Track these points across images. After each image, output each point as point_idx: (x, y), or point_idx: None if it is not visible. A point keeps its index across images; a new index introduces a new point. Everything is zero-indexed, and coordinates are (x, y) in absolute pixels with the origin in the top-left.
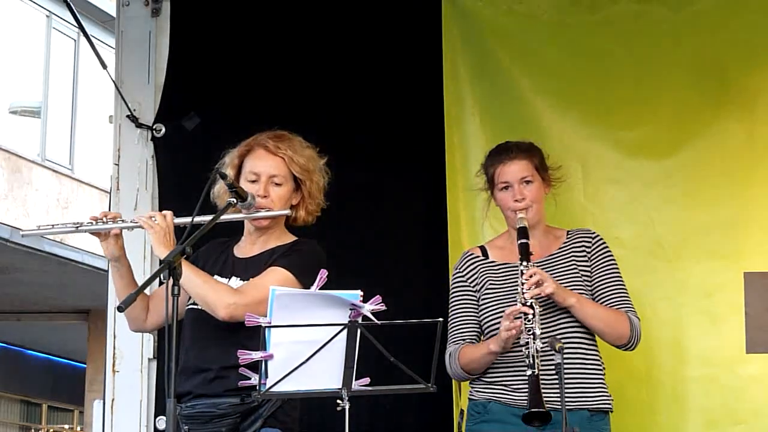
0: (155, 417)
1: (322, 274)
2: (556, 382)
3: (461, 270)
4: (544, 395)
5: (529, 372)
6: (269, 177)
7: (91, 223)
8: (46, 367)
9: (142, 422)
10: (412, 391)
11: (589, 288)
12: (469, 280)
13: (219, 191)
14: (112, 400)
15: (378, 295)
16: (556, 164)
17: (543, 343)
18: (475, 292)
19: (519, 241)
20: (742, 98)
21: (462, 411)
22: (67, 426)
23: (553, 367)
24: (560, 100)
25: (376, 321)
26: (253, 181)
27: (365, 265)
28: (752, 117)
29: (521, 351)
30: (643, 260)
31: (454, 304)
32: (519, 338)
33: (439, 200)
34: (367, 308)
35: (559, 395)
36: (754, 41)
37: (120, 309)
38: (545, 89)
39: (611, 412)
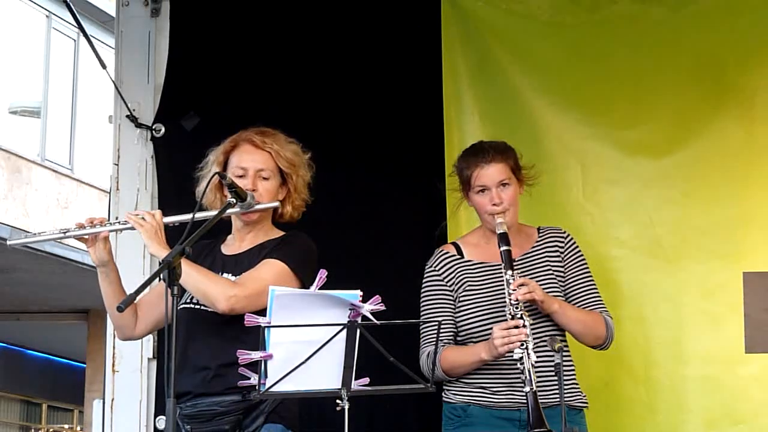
0: (155, 417)
1: (322, 274)
2: (548, 381)
3: (435, 267)
4: (538, 393)
5: (526, 389)
6: (257, 171)
7: (78, 228)
8: (45, 367)
9: (142, 422)
10: (411, 391)
11: (562, 287)
12: (445, 279)
13: (201, 192)
14: (112, 399)
15: (377, 295)
16: (530, 163)
17: (538, 350)
18: (450, 291)
19: (502, 249)
20: (741, 97)
21: None
22: (66, 426)
23: (549, 366)
24: (559, 100)
25: (376, 321)
26: (241, 176)
27: (365, 265)
28: (751, 116)
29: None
30: (643, 260)
31: (428, 302)
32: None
33: (439, 200)
34: (367, 308)
35: (551, 393)
36: (753, 41)
37: (119, 309)
38: (544, 89)
39: (587, 408)
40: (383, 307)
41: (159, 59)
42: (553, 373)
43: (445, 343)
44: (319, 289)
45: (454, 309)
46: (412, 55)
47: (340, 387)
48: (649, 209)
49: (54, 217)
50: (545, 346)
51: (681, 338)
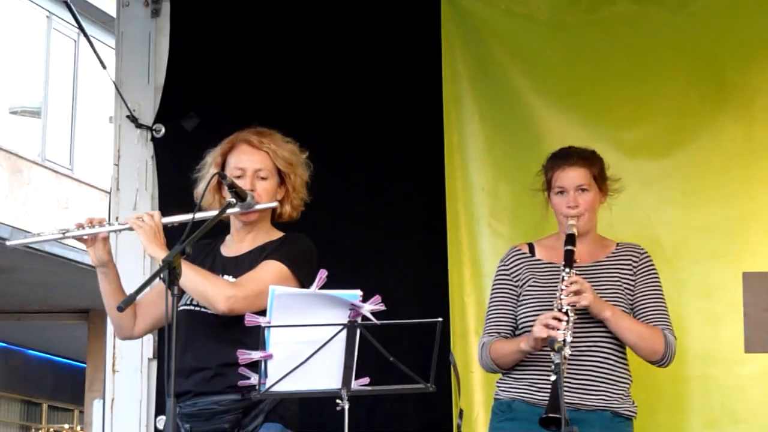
0: (155, 417)
1: (322, 274)
2: (583, 384)
3: (506, 263)
4: (571, 396)
5: (552, 378)
6: (255, 171)
7: (77, 229)
8: (46, 367)
9: (142, 422)
10: (411, 391)
11: (630, 301)
12: (512, 275)
13: (200, 193)
14: (112, 399)
15: (377, 295)
16: (616, 175)
17: (571, 350)
18: (516, 287)
19: (565, 248)
20: (739, 98)
21: (461, 411)
22: (67, 425)
23: (584, 369)
24: (559, 101)
25: (376, 321)
26: (239, 177)
27: (365, 265)
28: (750, 117)
29: (548, 350)
30: None
31: (494, 295)
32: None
33: (438, 200)
34: (367, 308)
35: (574, 396)
36: (752, 41)
37: (120, 309)
38: (544, 89)
39: (634, 418)
40: (383, 307)
41: (159, 60)
42: (596, 379)
43: (501, 336)
44: (319, 289)
45: (516, 304)
46: (412, 55)
47: (340, 387)
48: (649, 209)
49: (54, 217)
50: (594, 351)
51: (681, 338)
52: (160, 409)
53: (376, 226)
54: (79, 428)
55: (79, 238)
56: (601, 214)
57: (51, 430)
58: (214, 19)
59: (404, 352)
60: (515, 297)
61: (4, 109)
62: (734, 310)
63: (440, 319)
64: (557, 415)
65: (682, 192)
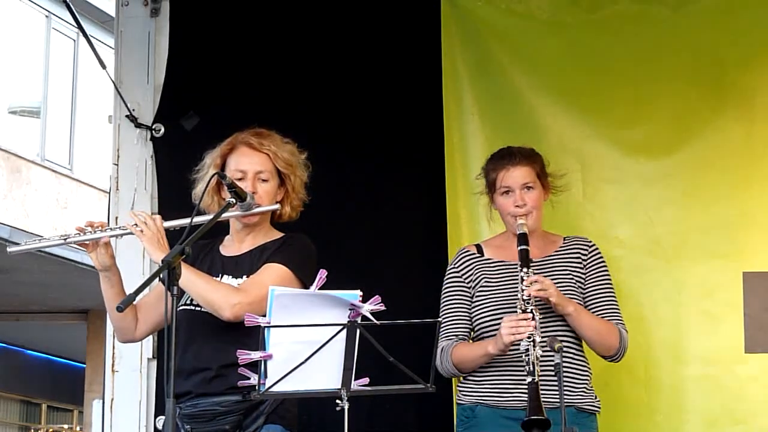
0: (155, 417)
1: (322, 275)
2: (552, 381)
3: (456, 266)
4: (541, 394)
5: (528, 379)
6: (256, 173)
7: (78, 234)
8: (45, 367)
9: (142, 422)
10: (411, 391)
11: (582, 295)
12: (464, 276)
13: (199, 193)
14: (112, 399)
15: (377, 296)
16: (559, 172)
17: (543, 347)
18: (468, 288)
19: (519, 248)
20: (741, 97)
21: None
22: (66, 426)
23: (552, 367)
24: (559, 100)
25: (376, 321)
26: (240, 179)
27: (365, 265)
28: (751, 116)
29: (512, 352)
30: (642, 260)
31: (446, 298)
32: (518, 343)
33: (438, 200)
34: (367, 308)
35: (555, 394)
36: (753, 40)
37: (119, 309)
38: (544, 88)
39: (598, 413)
40: (383, 307)
41: (159, 59)
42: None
43: (460, 339)
44: (318, 289)
45: (470, 306)
46: (412, 55)
47: (339, 387)
48: (649, 209)
49: (53, 217)
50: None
51: (681, 338)
52: (159, 410)
53: (375, 226)
54: (78, 428)
55: (81, 243)
56: (546, 211)
57: (50, 430)
58: (213, 18)
59: (404, 352)
60: (469, 298)
61: (3, 109)
62: (734, 310)
63: (440, 319)
64: (540, 417)
65: (683, 192)
